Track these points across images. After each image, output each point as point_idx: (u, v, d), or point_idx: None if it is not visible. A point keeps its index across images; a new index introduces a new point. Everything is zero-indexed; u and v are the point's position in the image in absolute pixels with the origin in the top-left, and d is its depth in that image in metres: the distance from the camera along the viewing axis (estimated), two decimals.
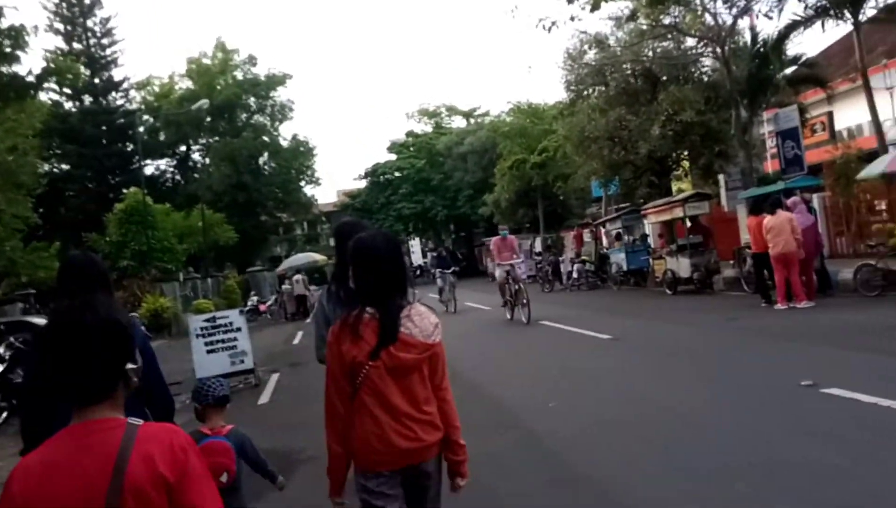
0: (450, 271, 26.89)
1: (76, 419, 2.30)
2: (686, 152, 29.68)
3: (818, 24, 22.99)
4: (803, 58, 25.59)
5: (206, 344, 15.09)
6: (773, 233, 15.70)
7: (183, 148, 60.42)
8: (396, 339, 3.60)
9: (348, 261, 3.88)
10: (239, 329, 15.32)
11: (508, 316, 20.78)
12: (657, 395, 9.58)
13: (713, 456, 6.76)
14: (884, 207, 21.14)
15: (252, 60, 60.49)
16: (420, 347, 3.64)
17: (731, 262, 22.25)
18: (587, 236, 35.99)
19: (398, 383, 3.62)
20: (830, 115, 28.82)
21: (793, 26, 23.35)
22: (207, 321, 15.54)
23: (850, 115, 27.25)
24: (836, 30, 29.27)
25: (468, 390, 10.65)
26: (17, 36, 16.78)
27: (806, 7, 22.94)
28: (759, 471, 6.20)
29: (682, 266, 22.67)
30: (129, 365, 2.36)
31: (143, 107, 56.30)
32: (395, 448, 3.60)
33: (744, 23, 26.42)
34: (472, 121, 68.72)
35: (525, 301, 19.45)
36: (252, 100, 60.64)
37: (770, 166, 29.22)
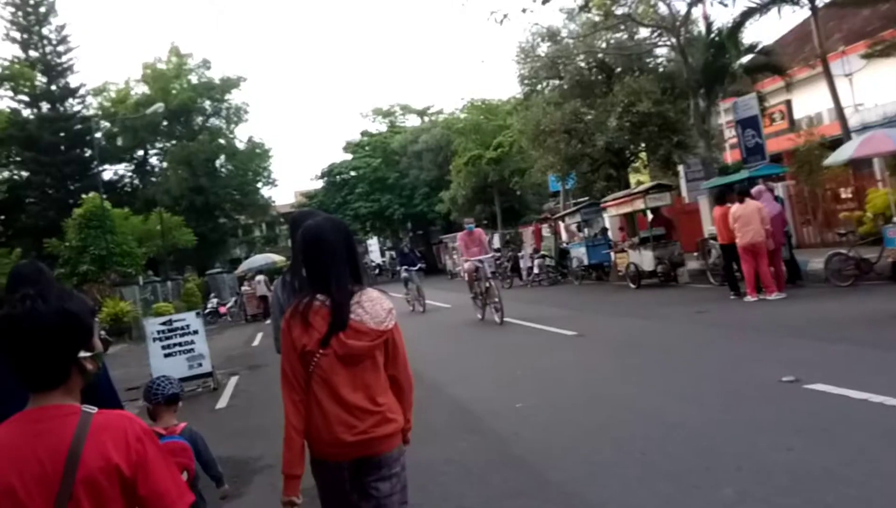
0: (416, 268, 25.75)
1: (31, 404, 2.31)
2: (644, 144, 29.45)
3: (774, 10, 22.84)
4: (760, 46, 25.47)
5: (164, 348, 14.90)
6: (740, 222, 15.41)
7: (140, 153, 61.37)
8: (346, 326, 3.52)
9: (298, 249, 3.78)
10: (196, 332, 15.10)
11: (479, 316, 19.56)
12: (628, 394, 9.20)
13: (696, 460, 6.33)
14: (850, 194, 21.04)
15: (206, 64, 61.58)
16: (371, 334, 3.55)
17: (696, 254, 22.04)
18: (546, 231, 35.84)
19: (349, 372, 3.56)
20: (789, 103, 28.70)
21: (749, 13, 23.13)
22: (164, 324, 15.29)
23: (808, 103, 27.14)
24: (790, 18, 29.26)
25: (431, 391, 10.36)
26: None
27: None
28: (748, 475, 5.77)
29: (646, 259, 22.45)
30: (84, 353, 2.34)
31: (99, 113, 57.03)
32: (340, 441, 3.53)
33: (698, 11, 26.30)
34: (427, 119, 68.86)
35: (497, 300, 18.33)
36: (207, 103, 61.53)
37: (730, 157, 29.12)
